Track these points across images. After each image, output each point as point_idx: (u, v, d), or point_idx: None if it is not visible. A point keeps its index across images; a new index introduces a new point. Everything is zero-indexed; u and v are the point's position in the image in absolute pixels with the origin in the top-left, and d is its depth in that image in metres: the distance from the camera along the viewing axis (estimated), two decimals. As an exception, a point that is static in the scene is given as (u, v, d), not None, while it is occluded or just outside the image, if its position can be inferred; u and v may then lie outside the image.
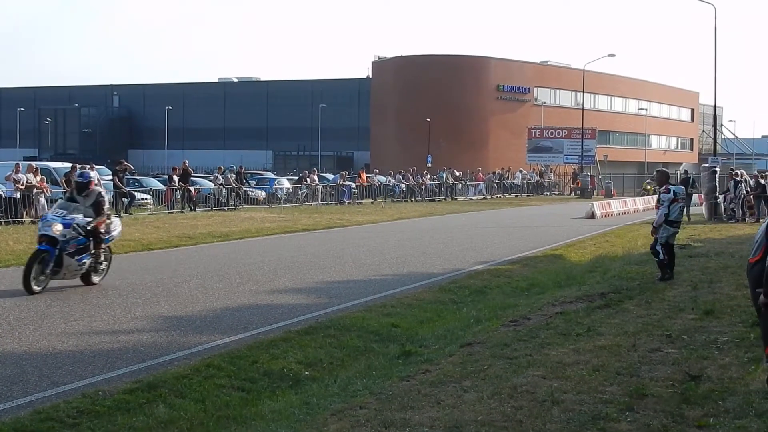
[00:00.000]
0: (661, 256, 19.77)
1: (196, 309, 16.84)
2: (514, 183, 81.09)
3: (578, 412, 9.17)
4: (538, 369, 11.11)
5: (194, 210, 46.13)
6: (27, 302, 17.12)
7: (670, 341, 12.46)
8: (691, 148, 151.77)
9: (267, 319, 15.86)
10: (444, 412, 9.38)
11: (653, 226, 20.20)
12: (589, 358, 11.43)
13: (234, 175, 52.73)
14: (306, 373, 12.21)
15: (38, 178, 38.11)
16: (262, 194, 56.97)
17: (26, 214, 36.01)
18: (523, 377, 10.69)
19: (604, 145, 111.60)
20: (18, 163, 39.97)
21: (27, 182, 36.63)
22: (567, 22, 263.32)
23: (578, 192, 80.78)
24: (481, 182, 77.20)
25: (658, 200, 20.32)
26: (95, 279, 19.71)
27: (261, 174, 74.78)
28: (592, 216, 47.14)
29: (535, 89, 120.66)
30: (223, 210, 47.27)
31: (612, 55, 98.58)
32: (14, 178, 36.23)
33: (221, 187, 50.53)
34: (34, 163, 42.58)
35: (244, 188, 53.83)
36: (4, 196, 35.86)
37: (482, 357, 12.09)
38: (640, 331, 13.24)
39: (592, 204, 51.50)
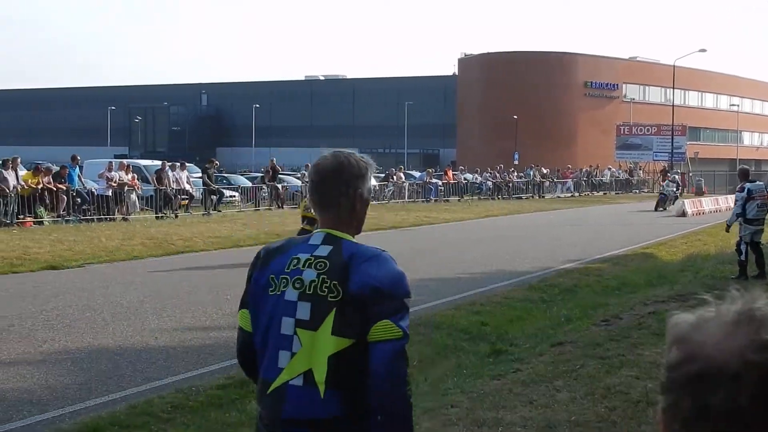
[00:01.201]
0: (742, 256, 19.57)
1: (286, 306, 16.86)
2: (602, 180, 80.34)
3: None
4: (631, 369, 11.01)
5: (282, 207, 46.36)
6: (120, 298, 17.34)
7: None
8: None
9: (357, 317, 15.82)
10: (537, 412, 9.33)
11: (726, 224, 20.04)
12: (683, 359, 11.27)
13: (321, 173, 52.79)
14: (396, 370, 12.15)
15: (129, 175, 38.56)
16: (349, 192, 57.04)
17: (118, 211, 36.46)
18: (616, 377, 10.61)
19: (695, 142, 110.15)
20: (111, 161, 40.50)
21: (119, 180, 37.10)
22: (657, 17, 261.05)
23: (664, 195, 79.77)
24: (569, 180, 76.68)
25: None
26: None
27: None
28: (683, 214, 46.48)
29: (624, 85, 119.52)
30: (311, 207, 47.39)
31: (703, 50, 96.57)
32: (107, 176, 36.70)
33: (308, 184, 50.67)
34: (125, 161, 43.09)
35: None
36: (96, 194, 36.32)
37: (574, 356, 12.00)
38: (734, 332, 13.03)
39: (683, 202, 50.89)
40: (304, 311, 3.91)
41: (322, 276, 3.93)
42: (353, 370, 3.86)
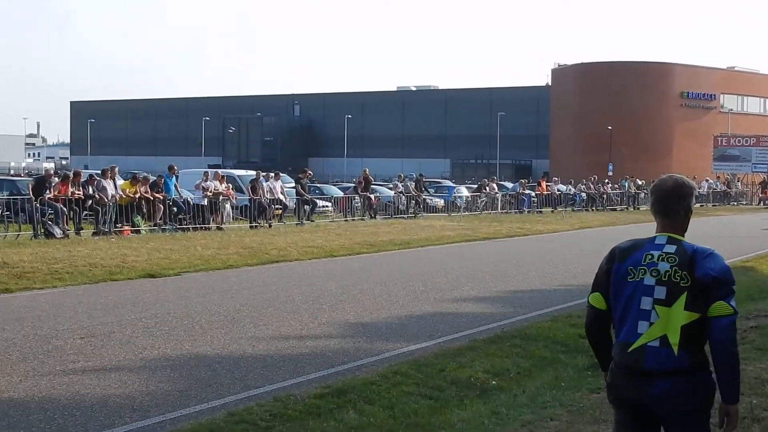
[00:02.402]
0: None
1: (381, 316, 16.94)
2: (699, 192, 79.21)
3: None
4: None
5: (374, 218, 46.46)
6: (217, 306, 17.49)
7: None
8: None
9: (452, 327, 15.85)
10: (637, 426, 9.21)
11: None
12: (788, 374, 11.08)
13: (413, 183, 52.87)
14: (493, 382, 12.10)
15: (224, 185, 38.90)
16: (440, 202, 57.10)
17: (212, 221, 36.79)
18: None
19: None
20: (207, 171, 40.92)
21: (214, 189, 37.45)
22: (756, 26, 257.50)
23: (767, 202, 78.59)
24: (664, 192, 75.71)
25: None
26: None
27: (439, 182, 74.97)
28: (786, 227, 45.70)
29: (722, 96, 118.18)
30: (403, 218, 47.46)
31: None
32: (203, 186, 37.07)
33: (401, 195, 50.76)
34: (220, 171, 43.48)
35: (424, 196, 53.99)
36: (192, 203, 36.70)
37: (673, 370, 11.83)
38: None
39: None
40: (660, 292, 5.54)
41: (674, 267, 5.56)
42: (696, 335, 5.50)
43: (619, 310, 5.70)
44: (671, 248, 5.63)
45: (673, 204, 5.75)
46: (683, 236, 5.74)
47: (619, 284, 5.69)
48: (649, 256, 5.65)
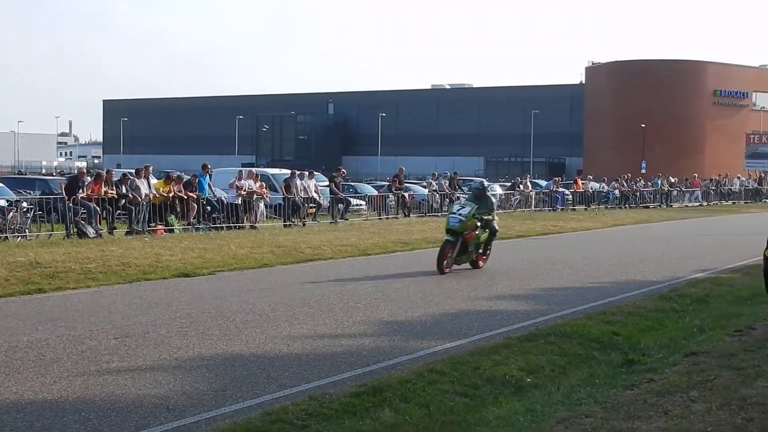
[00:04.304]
0: None
1: (416, 314, 16.95)
2: (731, 190, 78.93)
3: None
4: (767, 380, 10.80)
5: (408, 216, 46.43)
6: (252, 306, 17.54)
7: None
8: None
9: (487, 325, 15.85)
10: (672, 423, 9.21)
11: None
12: (821, 370, 11.03)
13: (447, 181, 52.81)
14: (528, 379, 12.12)
15: (258, 184, 38.92)
16: (475, 200, 56.92)
17: (246, 219, 36.83)
18: (752, 388, 10.40)
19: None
20: (241, 170, 40.89)
21: (248, 188, 37.48)
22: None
23: (799, 199, 78.22)
24: (697, 189, 75.53)
25: None
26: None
27: (473, 180, 74.81)
28: (816, 223, 45.54)
29: (754, 94, 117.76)
30: (437, 216, 47.36)
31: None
32: (237, 185, 37.10)
33: (435, 192, 50.71)
34: (254, 170, 43.51)
35: (458, 194, 53.90)
36: (226, 202, 36.76)
37: (708, 367, 11.82)
38: None
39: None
40: None
41: None
42: None
43: None
44: None
45: None
46: None
47: None
48: None
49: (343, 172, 48.50)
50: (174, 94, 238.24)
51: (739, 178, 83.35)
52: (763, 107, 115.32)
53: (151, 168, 36.25)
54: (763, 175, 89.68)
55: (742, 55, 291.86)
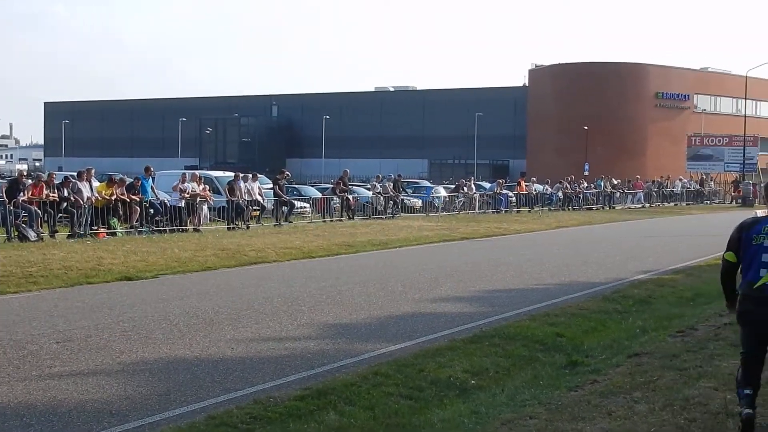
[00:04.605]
0: None
1: (361, 317, 16.94)
2: (673, 191, 79.71)
3: (756, 425, 8.96)
4: (709, 381, 10.90)
5: (352, 218, 46.44)
6: (195, 309, 17.46)
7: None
8: None
9: (431, 328, 15.86)
10: (616, 424, 9.28)
11: None
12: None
13: (391, 184, 52.86)
14: (472, 381, 12.15)
15: (201, 186, 38.78)
16: (418, 203, 57.10)
17: (190, 222, 36.69)
18: (694, 389, 10.50)
19: (767, 153, 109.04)
20: (185, 173, 40.70)
21: (191, 191, 37.31)
22: (729, 27, 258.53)
23: (739, 200, 78.98)
24: (640, 191, 76.13)
25: None
26: None
27: (417, 182, 74.97)
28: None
29: (695, 96, 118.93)
30: (381, 218, 47.46)
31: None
32: (180, 188, 36.92)
33: (379, 195, 50.73)
34: (197, 173, 43.34)
35: (402, 197, 54.00)
36: (169, 205, 36.58)
37: (651, 368, 11.92)
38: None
39: (756, 213, 50.33)
40: None
41: None
42: None
43: (746, 261, 8.79)
44: None
45: None
46: None
47: (747, 246, 8.78)
48: (766, 228, 8.71)
49: (287, 175, 48.40)
50: (116, 96, 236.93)
51: (680, 179, 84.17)
52: (704, 109, 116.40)
53: (93, 171, 36.04)
54: (704, 176, 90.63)
55: (683, 58, 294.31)
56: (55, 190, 32.63)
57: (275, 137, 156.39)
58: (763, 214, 9.11)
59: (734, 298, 9.14)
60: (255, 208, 40.99)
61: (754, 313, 8.78)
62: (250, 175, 42.45)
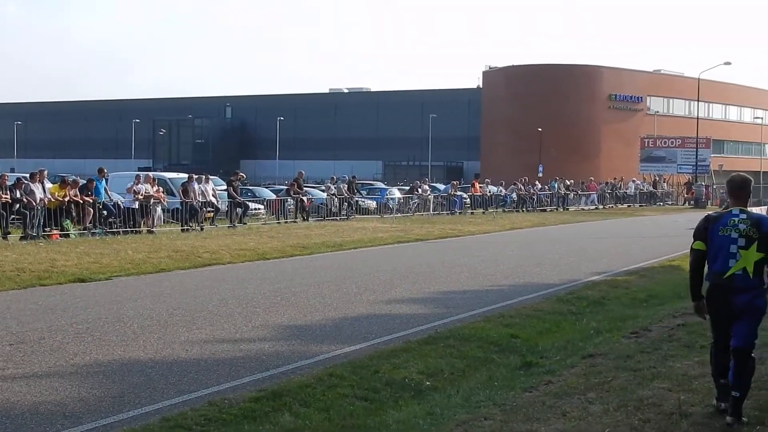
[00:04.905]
0: None
1: (316, 318, 16.92)
2: (626, 193, 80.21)
3: (708, 426, 9.05)
4: (663, 381, 10.96)
5: (307, 220, 46.39)
6: (149, 311, 17.38)
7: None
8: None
9: (386, 329, 15.87)
10: (570, 424, 9.31)
11: None
12: (715, 371, 11.18)
13: (346, 185, 52.87)
14: (428, 383, 12.16)
15: (155, 188, 38.61)
16: (373, 204, 57.14)
17: (143, 224, 36.53)
18: (648, 389, 10.56)
19: (719, 155, 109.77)
20: (139, 174, 40.46)
21: (145, 192, 37.12)
22: (681, 30, 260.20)
23: (692, 202, 79.61)
24: (593, 192, 76.49)
25: None
26: None
27: (372, 184, 75.01)
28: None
29: (648, 98, 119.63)
30: (336, 220, 47.48)
31: (728, 63, 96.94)
32: (134, 189, 36.72)
33: (333, 197, 50.72)
34: (151, 174, 43.13)
35: (356, 198, 54.01)
36: (123, 206, 36.39)
37: (605, 369, 11.98)
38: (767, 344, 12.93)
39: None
40: (741, 242, 9.13)
41: (749, 226, 9.15)
42: (761, 266, 9.14)
43: (713, 252, 9.31)
44: (744, 216, 9.23)
45: (742, 191, 9.53)
46: (747, 208, 9.41)
47: (714, 237, 9.30)
48: (732, 221, 9.23)
49: (241, 176, 48.27)
50: (69, 97, 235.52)
51: (634, 181, 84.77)
52: (657, 111, 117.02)
53: (45, 172, 35.77)
54: (657, 178, 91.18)
55: (636, 60, 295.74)
56: (8, 192, 32.36)
57: (229, 139, 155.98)
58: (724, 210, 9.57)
59: (700, 295, 9.57)
60: (209, 209, 40.88)
61: (722, 301, 9.27)
62: (204, 177, 42.30)
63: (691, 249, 9.56)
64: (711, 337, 9.75)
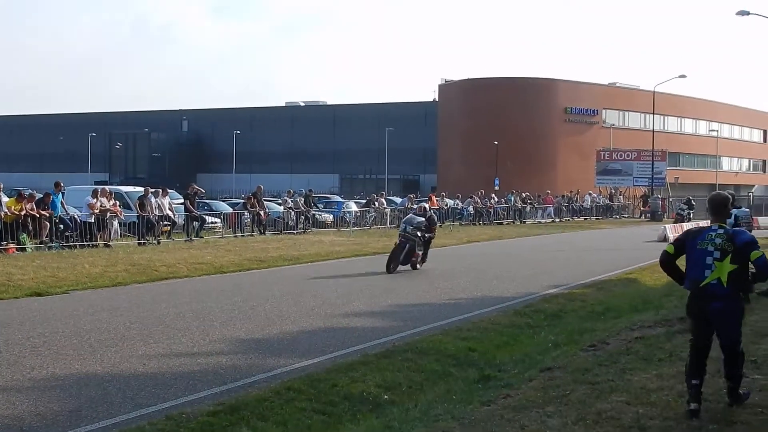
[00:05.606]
0: None
1: (273, 332, 16.90)
2: (583, 206, 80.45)
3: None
4: (621, 395, 11.00)
5: (264, 233, 46.29)
6: (106, 325, 17.32)
7: (755, 367, 12.14)
8: (764, 170, 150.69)
9: (344, 343, 15.88)
10: (529, 438, 9.33)
11: None
12: (673, 384, 11.21)
13: (303, 199, 52.82)
14: (386, 396, 12.18)
15: (111, 202, 38.40)
16: (330, 218, 57.11)
17: (100, 238, 36.32)
18: (607, 403, 10.59)
19: (675, 167, 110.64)
20: (96, 188, 40.18)
21: (101, 206, 36.92)
22: (636, 43, 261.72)
23: (648, 215, 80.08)
24: (550, 205, 76.72)
25: None
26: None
27: (329, 197, 74.96)
28: (665, 239, 46.44)
29: (604, 111, 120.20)
30: (293, 233, 47.40)
31: (683, 76, 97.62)
32: (90, 203, 36.49)
33: (290, 210, 50.64)
34: (108, 188, 42.90)
35: (313, 212, 53.97)
36: (79, 220, 36.18)
37: (563, 382, 12.00)
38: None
39: (665, 227, 51.11)
40: (717, 255, 9.84)
41: (724, 240, 9.87)
42: (736, 277, 9.79)
43: (690, 263, 10.09)
44: (721, 231, 9.98)
45: (722, 208, 10.33)
46: (726, 224, 10.14)
47: (691, 249, 10.08)
48: (710, 235, 10.00)
49: (201, 191, 48.10)
50: (24, 111, 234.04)
51: (590, 194, 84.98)
52: (613, 124, 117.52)
53: (1, 186, 35.47)
54: (613, 191, 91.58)
55: (591, 73, 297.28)
56: (-38, 206, 32.09)
57: (185, 152, 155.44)
58: (705, 225, 10.46)
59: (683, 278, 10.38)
60: (166, 223, 40.67)
61: (698, 306, 10.09)
62: (161, 190, 42.12)
63: (663, 251, 10.59)
64: (692, 336, 10.35)
